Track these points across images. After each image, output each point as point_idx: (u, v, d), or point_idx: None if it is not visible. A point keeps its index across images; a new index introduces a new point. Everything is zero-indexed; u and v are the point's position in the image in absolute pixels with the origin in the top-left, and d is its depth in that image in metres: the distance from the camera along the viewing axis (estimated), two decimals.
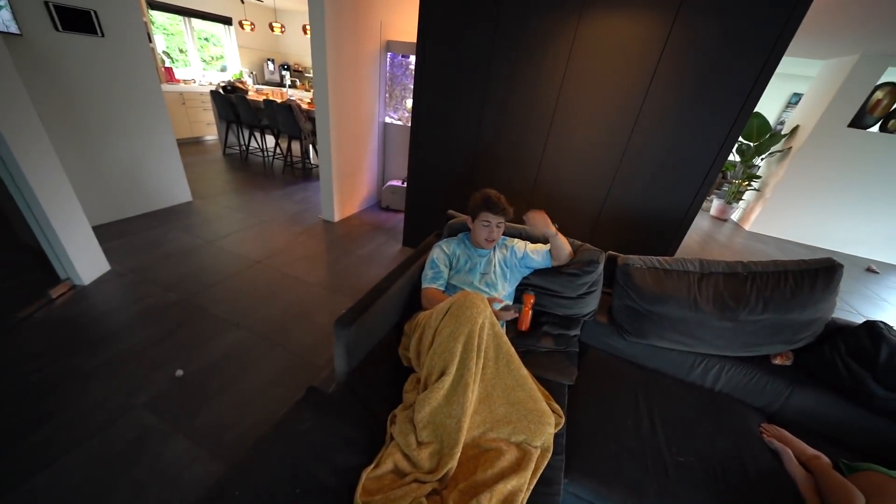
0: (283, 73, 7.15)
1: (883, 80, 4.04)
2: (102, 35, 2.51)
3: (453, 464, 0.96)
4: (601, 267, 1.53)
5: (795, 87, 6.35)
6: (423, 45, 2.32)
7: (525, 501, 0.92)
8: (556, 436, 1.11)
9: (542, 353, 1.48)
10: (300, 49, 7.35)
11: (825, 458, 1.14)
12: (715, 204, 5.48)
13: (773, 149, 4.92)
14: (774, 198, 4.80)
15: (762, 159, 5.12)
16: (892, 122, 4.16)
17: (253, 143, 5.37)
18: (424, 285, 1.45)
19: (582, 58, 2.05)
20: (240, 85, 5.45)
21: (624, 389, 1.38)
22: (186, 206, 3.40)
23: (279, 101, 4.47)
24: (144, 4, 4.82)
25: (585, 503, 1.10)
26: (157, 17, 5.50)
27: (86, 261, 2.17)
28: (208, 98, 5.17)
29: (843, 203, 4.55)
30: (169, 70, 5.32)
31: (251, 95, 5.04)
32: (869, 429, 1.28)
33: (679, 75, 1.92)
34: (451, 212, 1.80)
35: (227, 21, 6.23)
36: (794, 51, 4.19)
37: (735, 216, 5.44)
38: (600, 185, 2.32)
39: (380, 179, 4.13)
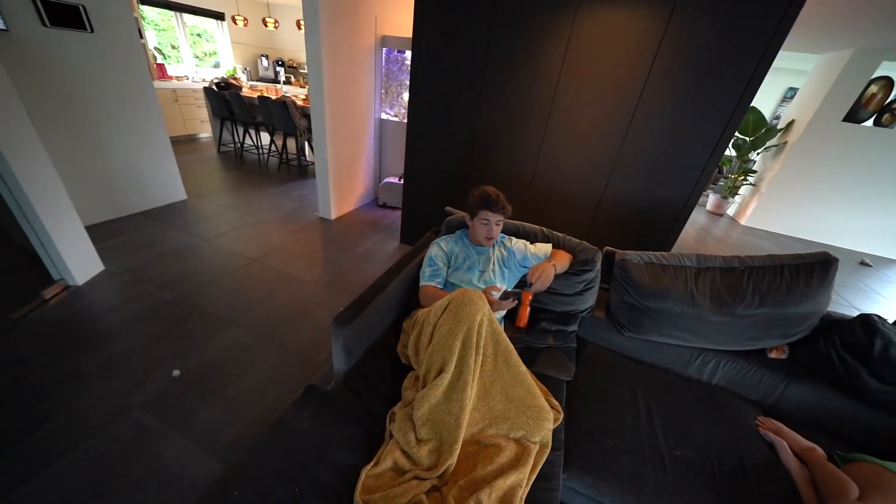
0: (278, 69, 7.08)
1: (877, 74, 4.05)
2: (92, 31, 2.47)
3: (453, 460, 0.97)
4: (598, 266, 1.53)
5: (791, 82, 6.37)
6: (419, 39, 2.30)
7: (524, 497, 0.92)
8: (555, 431, 1.12)
9: (541, 349, 1.48)
10: (294, 45, 7.27)
11: (820, 450, 1.16)
12: (711, 199, 5.51)
13: (768, 143, 4.94)
14: (770, 192, 4.83)
15: (758, 154, 5.14)
16: (886, 116, 4.19)
17: (248, 141, 5.31)
18: (422, 283, 1.44)
19: (579, 52, 2.03)
20: (234, 81, 5.39)
21: (622, 384, 1.39)
22: (181, 204, 3.37)
23: (274, 97, 4.42)
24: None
25: (584, 498, 1.11)
26: (148, 12, 5.41)
27: (79, 261, 2.15)
28: (202, 95, 5.11)
29: (837, 197, 4.58)
30: (161, 66, 5.25)
31: (245, 92, 4.98)
32: (863, 421, 1.30)
33: (675, 70, 1.92)
34: (448, 208, 1.79)
35: (219, 16, 6.15)
36: (790, 45, 4.19)
37: (731, 211, 5.47)
38: (597, 179, 2.32)
39: (376, 176, 4.11)
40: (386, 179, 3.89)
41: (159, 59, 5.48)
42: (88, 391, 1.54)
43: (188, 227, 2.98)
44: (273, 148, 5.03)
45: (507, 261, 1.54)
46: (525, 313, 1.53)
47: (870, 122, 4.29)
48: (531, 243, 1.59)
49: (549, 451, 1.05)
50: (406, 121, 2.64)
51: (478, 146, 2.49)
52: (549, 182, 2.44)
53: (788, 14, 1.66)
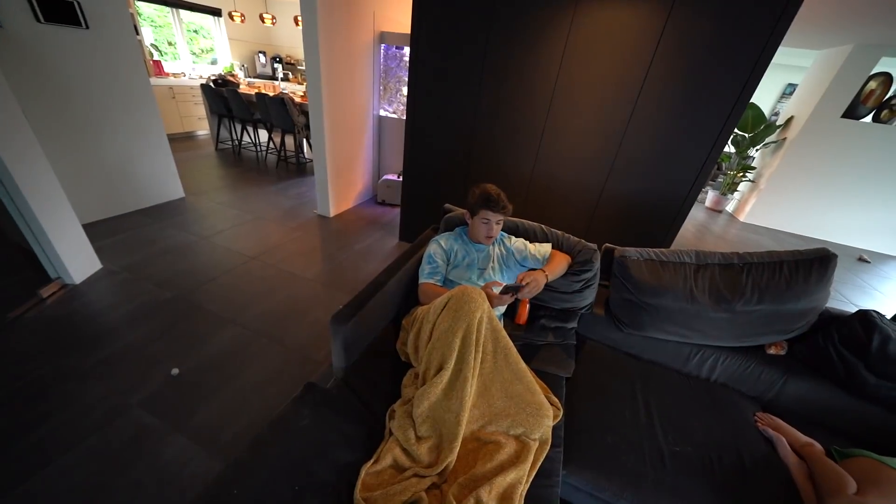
0: (276, 65, 7.03)
1: (876, 70, 4.05)
2: (87, 27, 2.44)
3: (452, 458, 0.97)
4: (597, 265, 1.53)
5: (790, 78, 6.36)
6: (418, 35, 2.28)
7: (524, 493, 0.92)
8: (555, 428, 1.12)
9: (540, 346, 1.48)
10: (292, 41, 7.22)
11: (818, 445, 1.16)
12: (710, 195, 5.51)
13: (767, 140, 4.94)
14: (769, 189, 4.83)
15: (757, 150, 5.14)
16: (884, 112, 4.19)
17: (245, 138, 5.29)
18: (422, 280, 1.44)
19: (578, 47, 2.02)
20: (231, 78, 5.36)
21: (621, 381, 1.39)
22: (179, 202, 3.35)
23: (271, 94, 4.40)
24: None
25: (584, 494, 1.12)
26: (144, 8, 5.36)
27: (77, 259, 2.14)
28: (199, 92, 5.08)
29: (835, 193, 4.59)
30: (157, 63, 5.21)
31: (243, 89, 4.95)
32: (860, 416, 1.30)
33: (675, 66, 1.91)
34: (447, 205, 1.79)
35: (216, 12, 6.09)
36: (790, 41, 4.18)
37: (730, 207, 5.48)
38: (597, 176, 2.31)
39: (375, 174, 4.09)
40: (385, 176, 3.87)
41: (156, 56, 5.43)
42: (87, 390, 1.53)
43: (186, 225, 2.97)
44: (271, 145, 5.00)
45: (506, 259, 1.54)
46: (525, 311, 1.54)
47: (868, 119, 4.29)
48: (531, 242, 1.58)
49: (548, 447, 1.05)
50: (405, 117, 2.62)
51: (477, 143, 2.48)
52: (549, 179, 2.43)
53: (788, 10, 1.65)
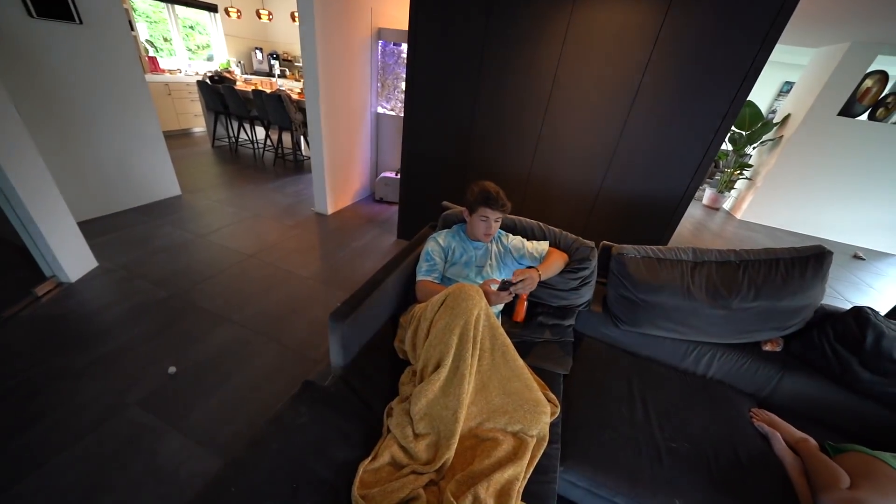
0: (272, 62, 6.98)
1: (872, 68, 4.06)
2: (80, 22, 2.41)
3: (450, 454, 0.97)
4: (594, 263, 1.53)
5: (787, 76, 6.37)
6: (416, 31, 2.27)
7: (522, 490, 0.93)
8: (552, 424, 1.12)
9: (538, 343, 1.49)
10: (289, 37, 7.16)
11: (812, 441, 1.17)
12: (707, 193, 5.53)
13: (764, 137, 4.95)
14: (765, 186, 4.85)
15: (754, 148, 5.16)
16: (880, 110, 4.21)
17: (242, 135, 5.26)
18: (419, 277, 1.44)
19: (576, 44, 2.02)
20: (227, 75, 5.32)
21: (618, 377, 1.40)
22: (175, 200, 3.33)
23: (268, 91, 4.36)
24: None
25: (581, 490, 1.13)
26: (139, 3, 5.30)
27: (72, 257, 2.12)
28: (195, 88, 5.03)
29: (831, 191, 4.61)
30: (153, 59, 5.16)
31: (239, 85, 4.92)
32: (854, 411, 1.31)
33: (673, 64, 1.91)
34: (445, 203, 1.78)
35: (212, 8, 6.03)
36: (787, 38, 4.18)
37: (727, 205, 5.50)
38: (595, 173, 2.31)
39: (373, 171, 4.08)
40: (382, 174, 3.86)
41: (151, 52, 5.38)
42: (83, 389, 1.52)
43: (183, 223, 2.95)
44: (268, 142, 4.98)
45: (503, 257, 1.54)
46: (522, 308, 1.54)
47: (864, 117, 4.31)
48: (528, 240, 1.58)
49: (546, 444, 1.06)
50: (402, 115, 2.61)
51: (475, 141, 2.48)
52: (547, 176, 2.43)
53: (786, 6, 1.65)
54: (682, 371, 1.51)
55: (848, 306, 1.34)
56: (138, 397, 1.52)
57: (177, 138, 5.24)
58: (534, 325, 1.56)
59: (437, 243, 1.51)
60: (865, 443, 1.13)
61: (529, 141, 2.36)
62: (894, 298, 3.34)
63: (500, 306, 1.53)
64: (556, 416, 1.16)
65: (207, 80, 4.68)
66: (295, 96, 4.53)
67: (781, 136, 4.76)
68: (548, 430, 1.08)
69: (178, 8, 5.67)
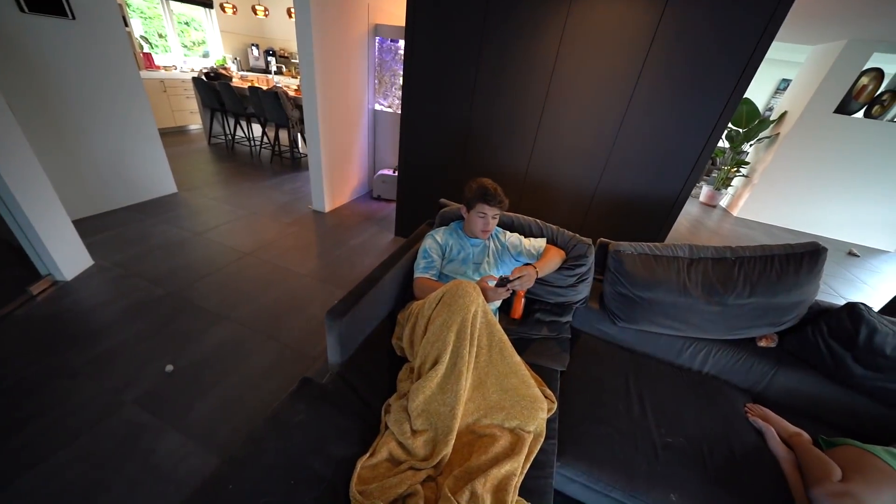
0: (269, 58, 6.92)
1: (868, 65, 4.07)
2: (73, 17, 2.39)
3: (448, 450, 0.98)
4: (591, 260, 1.54)
5: (785, 73, 6.39)
6: (413, 28, 2.26)
7: (519, 485, 0.93)
8: (549, 420, 1.13)
9: (535, 339, 1.49)
10: (285, 34, 7.10)
11: (805, 435, 1.19)
12: (704, 190, 5.54)
13: (761, 135, 4.97)
14: (762, 184, 4.87)
15: (751, 145, 5.17)
16: (875, 107, 4.23)
17: (239, 133, 5.23)
18: (417, 275, 1.44)
19: (573, 42, 2.01)
20: (223, 71, 5.27)
21: (615, 374, 1.41)
22: (172, 197, 3.31)
23: (265, 88, 4.34)
24: None
25: (577, 485, 1.13)
26: None
27: (67, 256, 2.11)
28: (191, 85, 5.00)
29: (827, 188, 4.64)
30: (148, 56, 5.11)
31: (235, 82, 4.87)
32: (847, 406, 1.33)
33: (670, 61, 1.91)
34: (443, 200, 1.78)
35: (207, 4, 5.97)
36: (784, 35, 4.19)
37: (724, 202, 5.52)
38: (592, 170, 2.31)
39: (370, 168, 4.07)
40: (380, 171, 3.85)
41: (146, 48, 5.33)
42: (79, 388, 1.52)
43: (179, 221, 2.93)
44: (265, 140, 4.95)
45: (501, 254, 1.54)
46: (520, 305, 1.54)
47: (860, 114, 4.33)
48: (526, 237, 1.59)
49: (543, 440, 1.06)
50: (400, 112, 2.60)
51: (473, 137, 2.47)
52: (544, 174, 2.43)
53: (782, 4, 1.65)
54: (678, 367, 1.52)
55: (842, 303, 1.35)
56: (135, 396, 1.52)
57: (173, 136, 5.20)
58: (531, 321, 1.56)
59: (435, 240, 1.51)
60: (857, 437, 1.15)
61: (527, 138, 2.35)
62: (888, 295, 3.37)
63: (498, 303, 1.53)
64: (553, 412, 1.17)
65: (203, 77, 4.65)
66: (292, 93, 4.50)
67: (778, 134, 4.77)
68: (545, 425, 1.09)
69: (173, 3, 5.61)
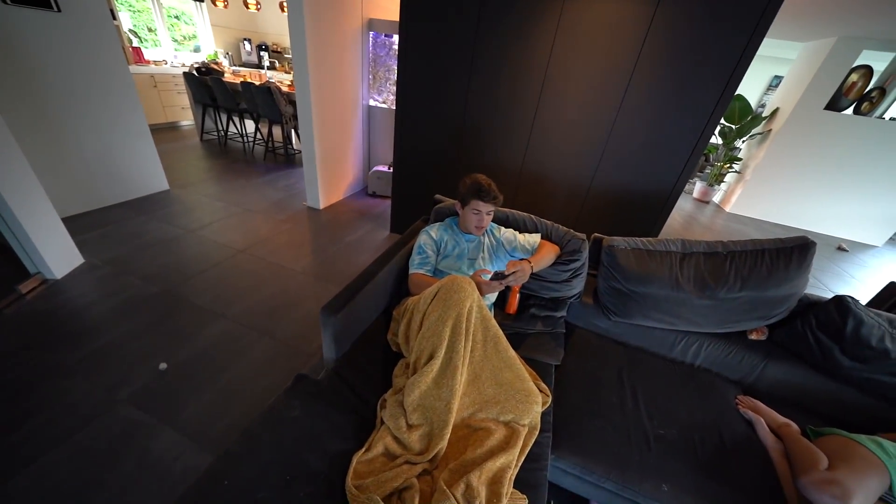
0: (261, 53, 6.83)
1: (858, 62, 4.12)
2: (58, 10, 2.33)
3: (443, 444, 0.98)
4: (585, 255, 1.55)
5: (777, 70, 6.43)
6: (407, 22, 2.24)
7: (513, 477, 0.94)
8: (544, 414, 1.14)
9: (530, 334, 1.50)
10: (278, 28, 7.01)
11: (794, 426, 1.21)
12: (697, 186, 5.59)
13: (753, 131, 5.01)
14: (754, 180, 4.92)
15: (743, 142, 5.22)
16: (864, 104, 4.28)
17: (231, 129, 5.16)
18: (412, 270, 1.44)
19: (568, 37, 2.01)
20: (215, 66, 5.19)
21: (608, 367, 1.43)
22: (163, 194, 3.27)
23: (258, 83, 4.28)
24: None
25: (572, 477, 1.15)
26: None
27: (57, 254, 2.08)
28: (182, 80, 4.91)
29: (817, 184, 4.70)
30: (137, 50, 5.01)
31: (227, 77, 4.81)
32: (835, 397, 1.36)
33: (663, 57, 1.92)
34: (438, 196, 1.78)
35: None
36: (775, 32, 4.22)
37: (716, 198, 5.57)
38: (587, 166, 2.32)
39: (365, 165, 4.05)
40: (375, 168, 3.83)
41: (135, 43, 5.23)
42: (72, 386, 1.51)
43: (171, 218, 2.90)
44: (258, 136, 4.89)
45: (496, 249, 1.54)
46: (514, 300, 1.55)
47: (850, 111, 4.38)
48: (520, 232, 1.59)
49: (537, 433, 1.08)
50: (394, 108, 2.59)
51: (467, 133, 2.47)
52: (539, 170, 2.44)
53: (773, 1, 1.66)
54: (671, 360, 1.54)
55: (830, 296, 1.38)
56: (129, 394, 1.51)
57: (164, 132, 5.12)
58: (526, 316, 1.57)
59: (430, 236, 1.51)
60: (844, 427, 1.17)
61: (522, 134, 2.35)
62: (875, 288, 3.43)
63: (493, 298, 1.54)
64: (548, 405, 1.18)
65: (194, 72, 4.57)
66: (285, 88, 4.45)
67: (770, 130, 4.82)
68: (539, 419, 1.10)
69: None
